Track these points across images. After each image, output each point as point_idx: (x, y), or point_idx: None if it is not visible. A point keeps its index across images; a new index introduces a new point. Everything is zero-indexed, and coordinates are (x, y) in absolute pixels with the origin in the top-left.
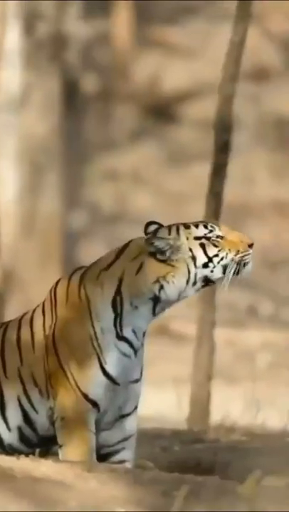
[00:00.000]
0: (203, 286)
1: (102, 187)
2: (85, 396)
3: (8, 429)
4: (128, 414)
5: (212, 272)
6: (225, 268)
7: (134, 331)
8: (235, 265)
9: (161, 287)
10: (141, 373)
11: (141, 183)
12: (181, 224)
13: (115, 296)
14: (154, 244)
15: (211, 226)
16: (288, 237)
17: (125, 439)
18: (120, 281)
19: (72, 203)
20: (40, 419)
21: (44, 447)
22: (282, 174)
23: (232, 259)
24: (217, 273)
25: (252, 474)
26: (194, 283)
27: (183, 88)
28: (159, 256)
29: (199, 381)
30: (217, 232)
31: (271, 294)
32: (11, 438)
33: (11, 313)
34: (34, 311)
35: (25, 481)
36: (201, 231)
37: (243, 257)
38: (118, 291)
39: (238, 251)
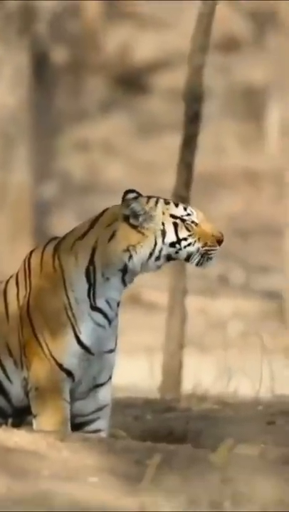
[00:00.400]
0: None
1: (73, 158)
2: (60, 365)
3: None
4: (102, 384)
5: (177, 253)
6: (190, 255)
7: (107, 302)
8: (199, 256)
9: (130, 257)
10: (115, 343)
11: (112, 153)
12: (162, 198)
13: (88, 266)
14: (130, 206)
15: (190, 211)
16: (258, 206)
17: (100, 409)
18: (93, 250)
19: (43, 174)
20: (15, 390)
21: (18, 418)
22: (251, 144)
23: (198, 249)
24: (181, 256)
25: (224, 442)
26: (158, 258)
27: (153, 59)
28: (132, 220)
29: (171, 350)
30: (194, 217)
31: (242, 262)
32: None
33: None
34: (7, 282)
35: None
36: (179, 211)
37: (208, 250)
38: (91, 261)
39: (206, 243)
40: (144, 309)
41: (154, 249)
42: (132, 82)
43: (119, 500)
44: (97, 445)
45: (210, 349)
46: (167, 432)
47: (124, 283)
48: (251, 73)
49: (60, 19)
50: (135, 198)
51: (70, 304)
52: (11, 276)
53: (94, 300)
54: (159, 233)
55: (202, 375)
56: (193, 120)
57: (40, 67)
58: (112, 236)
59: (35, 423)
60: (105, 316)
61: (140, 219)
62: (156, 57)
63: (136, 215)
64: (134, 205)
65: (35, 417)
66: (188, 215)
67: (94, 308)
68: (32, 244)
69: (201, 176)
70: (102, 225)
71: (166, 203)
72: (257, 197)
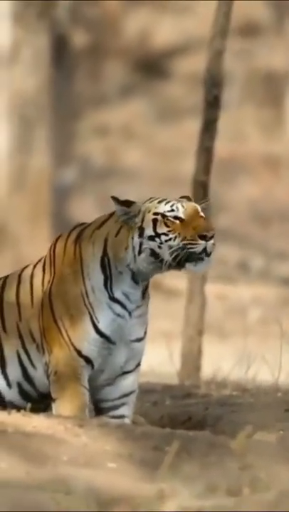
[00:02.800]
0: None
1: (93, 142)
2: (78, 352)
3: (9, 385)
4: (130, 372)
5: (160, 247)
6: (173, 251)
7: (124, 294)
8: (179, 251)
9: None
10: (145, 332)
11: (131, 138)
12: (158, 198)
13: (103, 257)
14: (117, 207)
15: (176, 207)
16: (278, 192)
17: (126, 395)
18: (106, 241)
19: (63, 159)
20: (39, 375)
21: (43, 403)
22: (271, 129)
23: (178, 244)
24: (164, 251)
25: (243, 429)
26: (139, 252)
27: (173, 43)
28: (121, 218)
29: (190, 336)
30: (178, 213)
31: (262, 249)
32: (11, 394)
33: (1, 268)
34: (35, 266)
35: (17, 435)
36: (163, 208)
37: (186, 244)
38: (105, 252)
39: (185, 237)
40: (164, 296)
41: (133, 245)
42: (151, 66)
43: (138, 486)
44: (115, 431)
45: (229, 335)
46: (186, 417)
47: (134, 281)
48: (271, 58)
49: (80, 3)
50: (124, 202)
51: (86, 292)
52: (39, 260)
53: (112, 291)
54: (136, 230)
55: (221, 362)
56: (213, 105)
57: (60, 51)
58: (119, 231)
59: (54, 407)
60: (124, 307)
61: (121, 218)
62: (176, 41)
63: (119, 216)
64: (117, 208)
65: (54, 401)
66: (172, 211)
67: (112, 299)
68: (51, 228)
69: (220, 161)
70: (115, 218)
71: (159, 201)
72: (277, 183)
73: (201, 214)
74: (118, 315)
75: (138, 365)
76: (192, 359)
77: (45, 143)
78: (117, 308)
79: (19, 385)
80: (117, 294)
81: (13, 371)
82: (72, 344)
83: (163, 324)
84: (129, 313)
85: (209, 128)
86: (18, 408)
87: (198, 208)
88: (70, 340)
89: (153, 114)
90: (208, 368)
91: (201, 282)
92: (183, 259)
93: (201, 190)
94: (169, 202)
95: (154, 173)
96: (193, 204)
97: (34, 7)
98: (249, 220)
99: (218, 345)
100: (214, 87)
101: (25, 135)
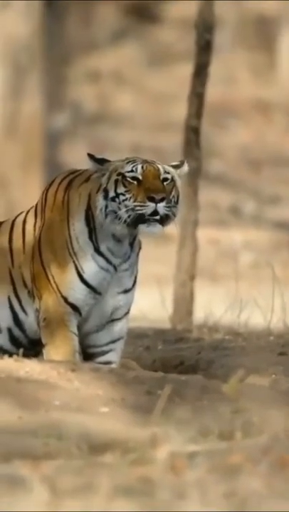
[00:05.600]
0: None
1: (84, 88)
2: (65, 299)
3: None
4: (118, 319)
5: (119, 208)
6: (127, 210)
7: (109, 250)
8: (131, 211)
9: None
10: (134, 282)
11: (123, 83)
12: (129, 158)
13: (87, 210)
14: (90, 164)
15: (135, 168)
16: (270, 137)
17: (113, 342)
18: (90, 196)
19: (55, 104)
20: (29, 321)
21: (33, 350)
22: (263, 73)
23: (130, 205)
24: (123, 211)
25: (235, 373)
26: (106, 215)
27: None
28: (93, 176)
29: (182, 281)
30: (135, 174)
31: (253, 193)
32: (1, 340)
33: None
34: (28, 211)
35: (9, 380)
36: (125, 168)
37: (136, 206)
38: (89, 206)
39: (136, 199)
40: (155, 241)
41: (100, 206)
42: (142, 11)
43: (130, 430)
44: (108, 376)
45: (221, 280)
46: (178, 362)
47: (115, 239)
48: (263, 2)
49: None
50: (99, 160)
51: (71, 242)
52: (32, 206)
53: (97, 243)
54: (102, 190)
55: (213, 306)
56: (204, 50)
57: None
58: (98, 189)
59: (44, 352)
60: (108, 261)
61: (95, 176)
62: None
63: (94, 173)
64: (91, 164)
65: (44, 346)
66: (131, 171)
67: (98, 251)
68: (43, 173)
69: (212, 106)
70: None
71: (127, 162)
72: (268, 128)
73: (164, 176)
74: (102, 268)
75: (127, 313)
76: (184, 304)
77: (37, 88)
78: (101, 261)
79: (9, 331)
80: (102, 248)
81: (4, 317)
82: (60, 291)
83: (155, 269)
84: (115, 268)
85: (201, 73)
86: (10, 354)
87: (161, 169)
88: (57, 287)
89: (145, 59)
90: (201, 313)
91: (192, 227)
92: (134, 219)
93: (193, 135)
94: (132, 162)
95: (146, 118)
96: (155, 166)
97: None
98: (241, 164)
99: (210, 290)
100: (206, 32)
101: (17, 81)
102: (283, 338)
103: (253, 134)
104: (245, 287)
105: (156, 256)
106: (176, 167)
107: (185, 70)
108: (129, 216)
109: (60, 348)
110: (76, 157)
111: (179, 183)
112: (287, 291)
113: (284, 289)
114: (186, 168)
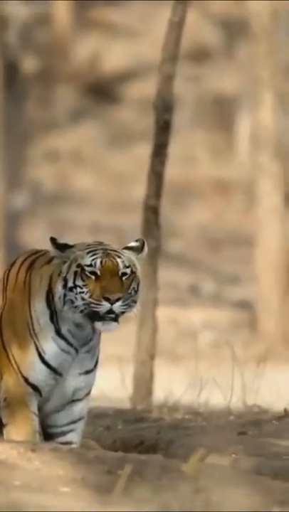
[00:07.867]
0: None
1: (44, 167)
2: (26, 379)
3: None
4: (79, 400)
5: (76, 299)
6: (85, 304)
7: (70, 332)
8: (86, 307)
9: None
10: (95, 363)
11: (82, 163)
12: (90, 247)
13: (48, 292)
14: (52, 249)
15: (94, 262)
16: (228, 216)
17: (74, 422)
18: (51, 278)
19: (14, 184)
20: None
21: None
22: (221, 153)
23: (86, 300)
24: (80, 304)
25: (195, 452)
26: (64, 303)
27: (123, 68)
28: (54, 261)
29: (142, 360)
30: (94, 269)
31: (213, 273)
32: None
33: None
34: None
35: None
36: (84, 261)
37: (91, 303)
38: (50, 288)
39: (91, 296)
40: None
41: (59, 294)
42: (102, 91)
43: (91, 510)
44: (68, 455)
45: (181, 359)
46: (138, 441)
47: (75, 324)
48: (222, 83)
49: (29, 28)
50: (61, 246)
51: (32, 323)
52: None
53: (58, 325)
54: (61, 279)
55: (173, 385)
56: (163, 130)
57: (11, 77)
58: (59, 274)
59: (5, 432)
60: (70, 344)
61: (56, 261)
62: (127, 66)
63: (55, 258)
64: (52, 250)
65: (5, 426)
66: (90, 266)
67: (59, 334)
68: (3, 253)
69: (171, 185)
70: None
71: (88, 252)
72: (227, 207)
73: (123, 271)
74: (63, 350)
75: (88, 393)
76: (144, 383)
77: None
78: (62, 344)
79: None
80: (64, 330)
81: None
82: (20, 371)
83: (115, 349)
84: (76, 350)
85: (160, 152)
86: None
87: (120, 265)
88: (18, 367)
89: (104, 139)
90: (161, 392)
91: (152, 306)
92: (90, 314)
93: (152, 215)
94: (93, 254)
95: (105, 197)
96: (114, 261)
97: None
98: (200, 244)
99: (170, 369)
100: (165, 112)
101: None
102: (243, 417)
103: (212, 214)
104: (205, 367)
105: (116, 336)
106: (136, 250)
107: (144, 150)
108: (85, 309)
109: (21, 428)
110: (36, 237)
111: (139, 270)
112: (247, 371)
113: (244, 368)
114: (146, 250)
